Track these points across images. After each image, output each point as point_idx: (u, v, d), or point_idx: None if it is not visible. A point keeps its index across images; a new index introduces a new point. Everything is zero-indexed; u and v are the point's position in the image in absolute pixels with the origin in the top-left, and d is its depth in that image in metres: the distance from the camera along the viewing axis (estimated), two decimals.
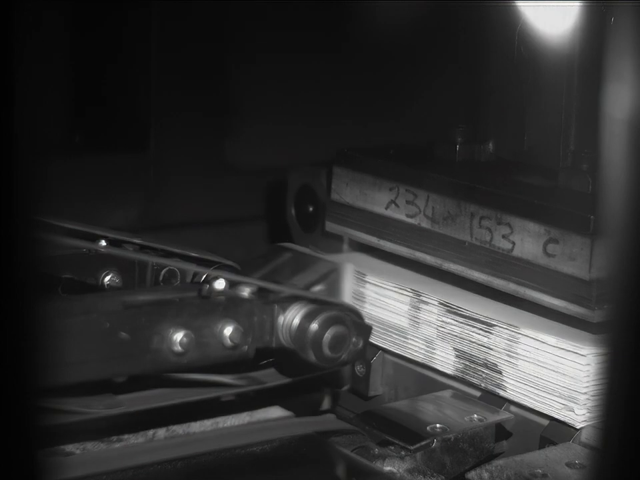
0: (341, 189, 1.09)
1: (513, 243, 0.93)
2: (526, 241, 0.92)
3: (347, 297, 0.91)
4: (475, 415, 0.90)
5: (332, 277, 0.91)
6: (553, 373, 0.88)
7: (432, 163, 1.06)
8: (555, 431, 0.88)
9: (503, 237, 0.93)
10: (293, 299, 0.83)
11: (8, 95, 0.36)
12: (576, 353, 0.87)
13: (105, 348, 0.76)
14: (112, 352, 0.76)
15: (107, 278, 0.94)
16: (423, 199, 1.00)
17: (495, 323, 0.93)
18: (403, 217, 1.03)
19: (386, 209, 1.05)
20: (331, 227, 1.10)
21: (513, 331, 0.91)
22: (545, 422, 0.89)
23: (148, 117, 1.30)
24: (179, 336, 0.77)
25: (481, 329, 0.94)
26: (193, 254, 0.96)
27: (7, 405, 0.38)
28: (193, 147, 1.34)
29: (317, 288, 0.91)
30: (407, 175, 1.03)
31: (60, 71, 1.18)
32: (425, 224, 1.01)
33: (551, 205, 0.91)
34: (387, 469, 0.84)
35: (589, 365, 0.86)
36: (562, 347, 0.88)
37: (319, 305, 0.82)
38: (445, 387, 0.97)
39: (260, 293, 0.83)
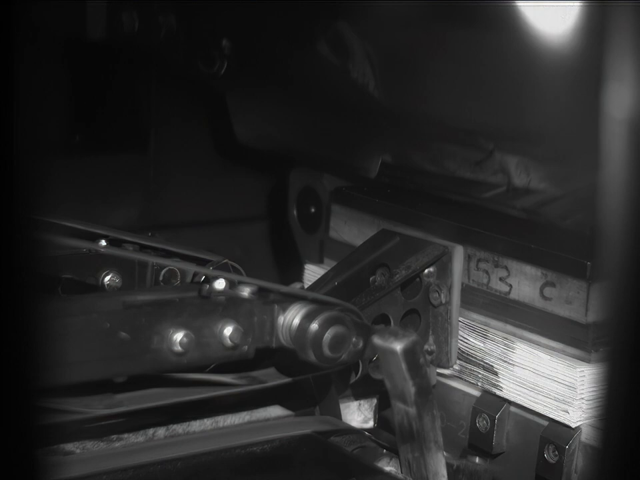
0: (339, 227, 1.09)
1: (510, 286, 0.93)
2: (523, 283, 0.92)
3: (458, 278, 0.93)
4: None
5: (444, 259, 0.93)
6: (548, 380, 0.88)
7: (429, 203, 1.05)
8: (554, 431, 0.88)
9: (500, 279, 0.94)
10: (293, 299, 0.83)
11: (8, 95, 0.36)
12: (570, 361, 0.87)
13: (105, 348, 0.76)
14: (112, 352, 0.76)
15: (107, 278, 0.94)
16: None
17: (490, 335, 0.93)
18: None
19: None
20: (330, 264, 1.10)
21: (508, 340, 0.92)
22: (545, 422, 0.89)
23: (148, 117, 1.30)
24: (178, 336, 0.77)
25: (477, 336, 0.94)
26: (193, 254, 0.96)
27: (7, 404, 0.38)
28: (193, 147, 1.34)
29: (430, 269, 0.94)
30: (405, 215, 1.03)
31: (60, 71, 1.18)
32: None
33: (547, 249, 0.91)
34: (387, 468, 0.84)
35: (583, 372, 0.86)
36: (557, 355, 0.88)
37: (318, 305, 0.82)
38: (446, 387, 0.97)
39: (260, 292, 0.83)
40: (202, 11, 1.14)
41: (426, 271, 0.94)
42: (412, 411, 0.80)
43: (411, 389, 0.79)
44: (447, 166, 0.94)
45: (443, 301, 0.94)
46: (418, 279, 0.94)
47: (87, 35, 1.18)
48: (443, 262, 0.94)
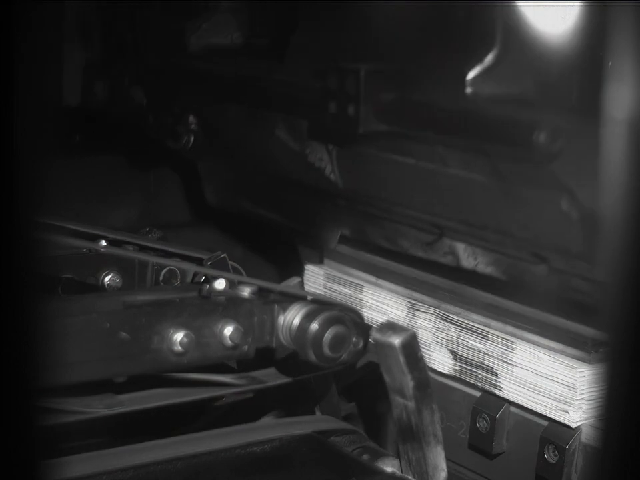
0: None
1: None
2: None
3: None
4: None
5: None
6: (548, 380, 0.88)
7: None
8: (554, 431, 0.88)
9: None
10: (293, 299, 0.83)
11: (9, 95, 0.36)
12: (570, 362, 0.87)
13: (104, 348, 0.76)
14: (112, 352, 0.76)
15: (107, 278, 0.94)
16: None
17: (490, 336, 0.93)
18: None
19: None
20: (330, 264, 1.10)
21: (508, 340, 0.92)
22: (545, 422, 0.89)
23: (148, 116, 1.30)
24: (179, 336, 0.77)
25: (476, 338, 0.94)
26: (192, 253, 0.96)
27: (7, 405, 0.38)
28: (193, 147, 1.34)
29: None
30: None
31: (60, 70, 1.18)
32: None
33: None
34: (388, 469, 0.84)
35: (583, 372, 0.86)
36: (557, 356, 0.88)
37: (318, 305, 0.82)
38: (446, 387, 0.97)
39: (260, 292, 0.83)
40: (169, 89, 1.18)
41: None
42: (411, 404, 0.80)
43: (409, 383, 0.79)
44: (401, 244, 0.97)
45: None
46: None
47: (63, 100, 1.21)
48: None
